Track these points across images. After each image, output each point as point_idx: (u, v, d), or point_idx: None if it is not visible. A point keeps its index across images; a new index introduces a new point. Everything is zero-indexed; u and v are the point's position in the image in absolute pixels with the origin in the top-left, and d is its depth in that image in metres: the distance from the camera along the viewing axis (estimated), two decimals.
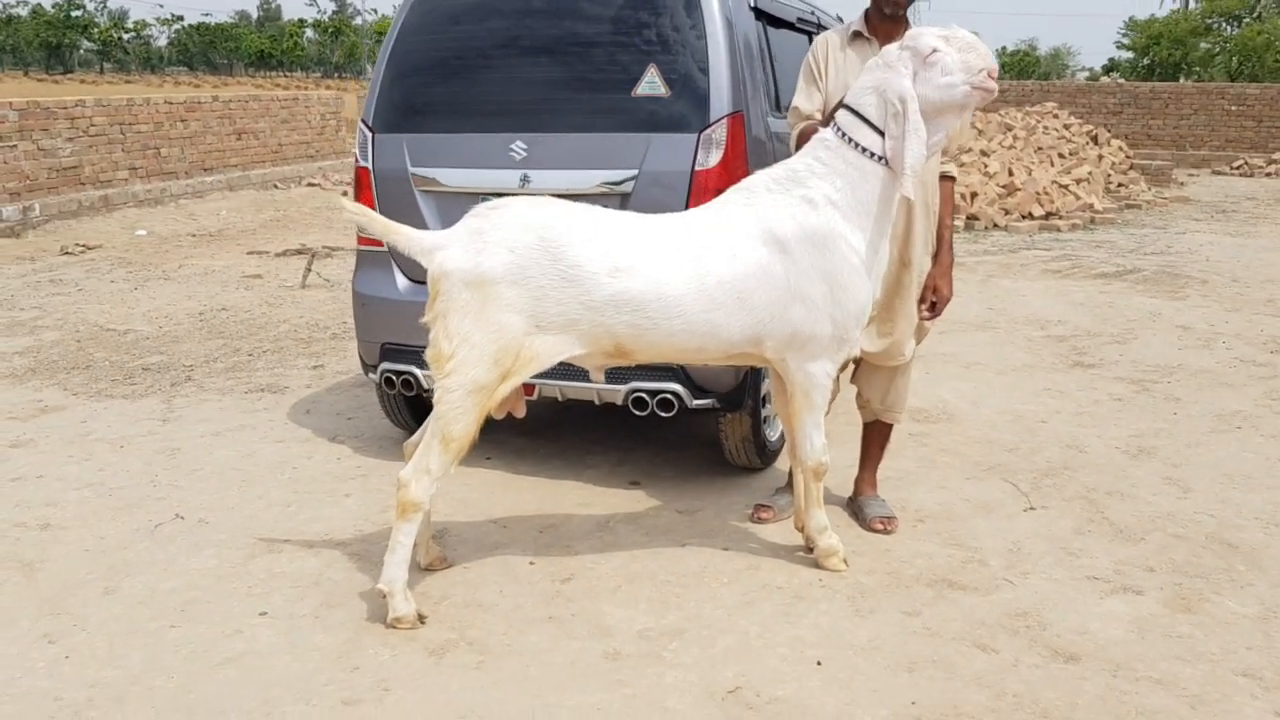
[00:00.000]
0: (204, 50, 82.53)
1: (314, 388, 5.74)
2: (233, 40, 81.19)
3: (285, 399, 5.52)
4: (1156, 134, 22.61)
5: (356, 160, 4.50)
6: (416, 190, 4.31)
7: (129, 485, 4.33)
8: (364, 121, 4.47)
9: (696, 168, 3.94)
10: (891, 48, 3.29)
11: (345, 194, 14.61)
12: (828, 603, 3.37)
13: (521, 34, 4.26)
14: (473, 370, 3.07)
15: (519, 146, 4.14)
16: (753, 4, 4.34)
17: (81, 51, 79.16)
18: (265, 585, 3.48)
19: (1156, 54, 46.88)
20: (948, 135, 3.34)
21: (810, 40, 5.08)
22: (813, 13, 5.23)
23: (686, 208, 3.88)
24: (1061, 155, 14.97)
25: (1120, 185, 15.54)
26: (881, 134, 3.25)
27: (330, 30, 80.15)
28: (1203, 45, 47.35)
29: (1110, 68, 57.50)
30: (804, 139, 3.54)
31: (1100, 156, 15.98)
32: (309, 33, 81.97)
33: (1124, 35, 52.07)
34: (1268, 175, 19.87)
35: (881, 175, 3.28)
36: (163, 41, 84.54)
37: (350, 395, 5.60)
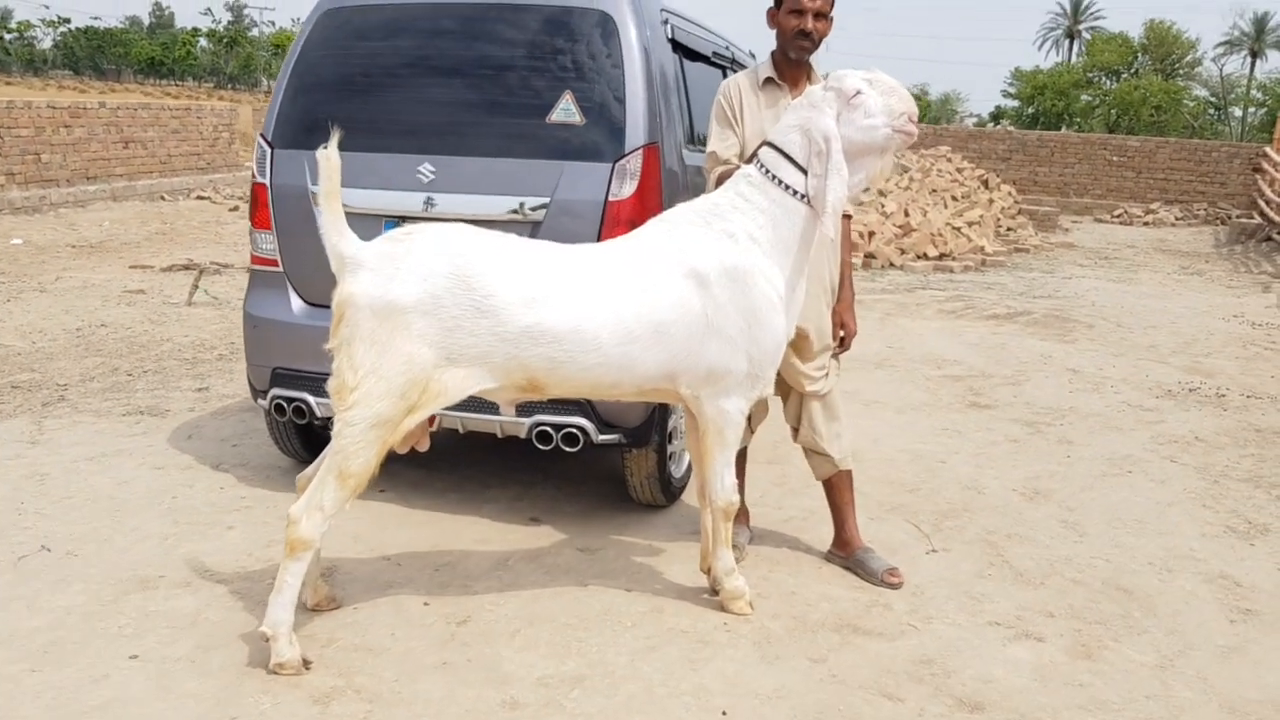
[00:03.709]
0: (91, 55, 79.45)
1: (198, 411, 5.47)
2: (122, 46, 78.33)
3: (166, 423, 5.24)
4: (1042, 180, 23.44)
5: (254, 176, 4.30)
6: (316, 209, 4.12)
7: None
8: (263, 136, 4.28)
9: (610, 198, 3.85)
10: (816, 88, 3.26)
11: (236, 209, 14.17)
12: (733, 649, 3.29)
13: (432, 54, 4.13)
14: (378, 403, 2.91)
15: (426, 169, 4.00)
16: (670, 36, 4.28)
17: None
18: (137, 625, 3.25)
19: (1041, 104, 48.64)
20: (868, 176, 3.31)
21: (725, 75, 5.06)
22: (728, 48, 5.20)
23: (599, 238, 3.80)
24: (955, 198, 15.37)
25: (1009, 229, 16.01)
26: (805, 172, 3.21)
27: (225, 41, 78.05)
28: (1084, 97, 49.38)
29: (997, 115, 59.53)
30: (722, 183, 3.46)
31: (991, 200, 16.45)
32: (203, 42, 79.64)
33: (1010, 84, 54.06)
34: (1145, 224, 20.74)
35: (803, 213, 3.24)
36: (47, 44, 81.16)
37: (237, 420, 5.34)
